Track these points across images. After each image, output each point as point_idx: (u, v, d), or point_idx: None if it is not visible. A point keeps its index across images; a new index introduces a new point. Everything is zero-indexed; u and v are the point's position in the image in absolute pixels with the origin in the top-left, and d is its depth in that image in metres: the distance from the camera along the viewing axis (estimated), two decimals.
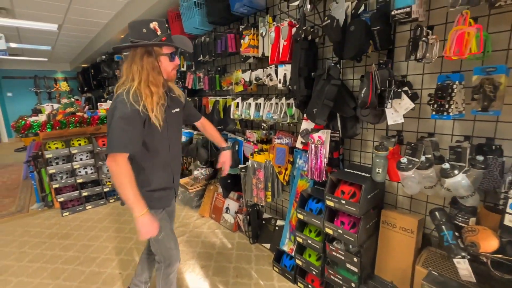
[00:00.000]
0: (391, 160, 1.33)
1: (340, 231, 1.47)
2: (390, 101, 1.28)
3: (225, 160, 1.55)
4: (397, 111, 1.28)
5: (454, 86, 1.05)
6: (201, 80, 2.76)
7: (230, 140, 2.59)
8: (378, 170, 1.31)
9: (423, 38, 1.08)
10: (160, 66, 1.18)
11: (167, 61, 1.21)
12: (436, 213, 1.16)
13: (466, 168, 1.04)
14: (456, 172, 1.02)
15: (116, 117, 1.09)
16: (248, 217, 2.55)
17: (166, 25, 1.19)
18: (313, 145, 1.63)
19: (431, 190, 1.20)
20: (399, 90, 1.23)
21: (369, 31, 1.35)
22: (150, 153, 1.25)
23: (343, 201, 1.42)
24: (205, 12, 2.43)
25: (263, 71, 2.05)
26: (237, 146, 2.51)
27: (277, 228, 2.34)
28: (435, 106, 1.12)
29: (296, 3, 1.51)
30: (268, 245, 2.37)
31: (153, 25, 1.13)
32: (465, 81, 1.11)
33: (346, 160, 1.77)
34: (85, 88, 8.16)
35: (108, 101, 3.95)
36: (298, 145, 1.91)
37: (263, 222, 2.48)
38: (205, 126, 1.63)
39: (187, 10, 2.53)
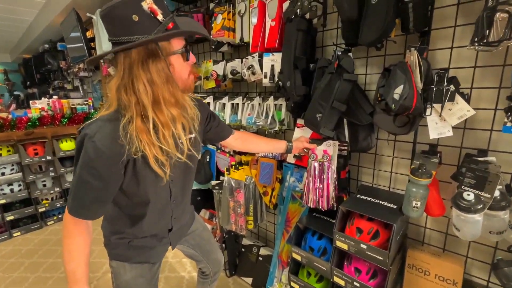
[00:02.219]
0: (431, 188, 0.94)
1: (357, 284, 1.06)
2: (433, 105, 0.88)
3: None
4: (443, 120, 0.89)
5: None
6: None
7: None
8: (416, 204, 0.91)
9: (507, 8, 0.69)
10: (173, 72, 0.74)
11: (181, 61, 0.76)
12: (507, 270, 0.79)
13: None
14: None
15: (84, 160, 0.70)
16: (223, 244, 2.07)
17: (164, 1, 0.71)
18: (315, 163, 1.20)
19: (498, 237, 0.82)
20: (453, 90, 0.83)
21: (400, 5, 0.94)
22: (134, 204, 0.86)
23: (363, 245, 1.01)
24: None
25: (242, 62, 1.57)
26: (208, 157, 2.00)
27: (260, 258, 1.89)
28: None
29: None
30: (249, 280, 1.91)
31: (148, 4, 0.65)
32: None
33: (353, 180, 1.37)
34: (28, 83, 6.99)
35: (44, 98, 3.16)
36: (290, 159, 1.47)
37: (243, 250, 2.01)
38: (248, 139, 1.19)
39: None
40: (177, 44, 0.75)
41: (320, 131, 1.09)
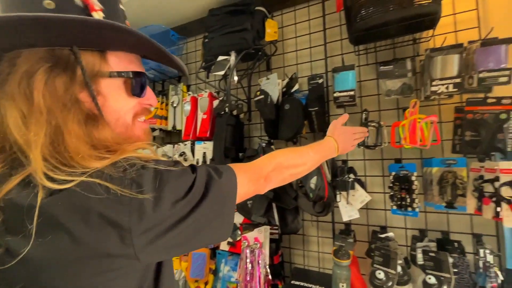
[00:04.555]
0: (352, 268, 1.03)
1: None
2: (340, 192, 1.06)
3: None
4: (350, 204, 1.06)
5: (413, 178, 0.93)
6: None
7: None
8: (343, 286, 0.97)
9: (373, 124, 0.96)
10: (100, 108, 0.42)
11: (123, 93, 0.46)
12: None
13: (452, 281, 0.83)
14: None
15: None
16: None
17: None
18: (247, 250, 1.19)
19: None
20: (353, 179, 1.04)
21: (306, 111, 1.20)
22: None
23: None
24: None
25: (174, 147, 1.60)
26: None
27: None
28: (395, 199, 0.95)
29: (221, 73, 1.27)
30: None
31: None
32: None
33: (286, 263, 1.38)
34: None
35: None
36: (224, 246, 1.42)
37: None
38: None
39: None
40: (121, 62, 0.45)
41: (252, 218, 1.13)
